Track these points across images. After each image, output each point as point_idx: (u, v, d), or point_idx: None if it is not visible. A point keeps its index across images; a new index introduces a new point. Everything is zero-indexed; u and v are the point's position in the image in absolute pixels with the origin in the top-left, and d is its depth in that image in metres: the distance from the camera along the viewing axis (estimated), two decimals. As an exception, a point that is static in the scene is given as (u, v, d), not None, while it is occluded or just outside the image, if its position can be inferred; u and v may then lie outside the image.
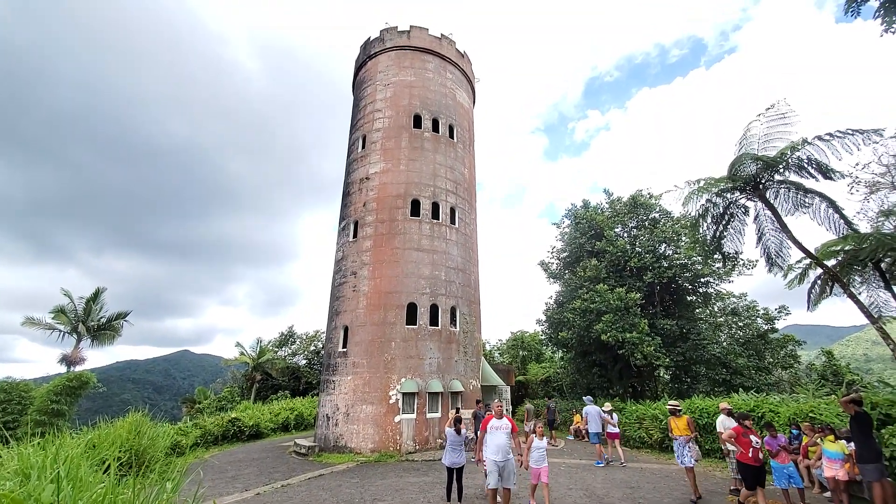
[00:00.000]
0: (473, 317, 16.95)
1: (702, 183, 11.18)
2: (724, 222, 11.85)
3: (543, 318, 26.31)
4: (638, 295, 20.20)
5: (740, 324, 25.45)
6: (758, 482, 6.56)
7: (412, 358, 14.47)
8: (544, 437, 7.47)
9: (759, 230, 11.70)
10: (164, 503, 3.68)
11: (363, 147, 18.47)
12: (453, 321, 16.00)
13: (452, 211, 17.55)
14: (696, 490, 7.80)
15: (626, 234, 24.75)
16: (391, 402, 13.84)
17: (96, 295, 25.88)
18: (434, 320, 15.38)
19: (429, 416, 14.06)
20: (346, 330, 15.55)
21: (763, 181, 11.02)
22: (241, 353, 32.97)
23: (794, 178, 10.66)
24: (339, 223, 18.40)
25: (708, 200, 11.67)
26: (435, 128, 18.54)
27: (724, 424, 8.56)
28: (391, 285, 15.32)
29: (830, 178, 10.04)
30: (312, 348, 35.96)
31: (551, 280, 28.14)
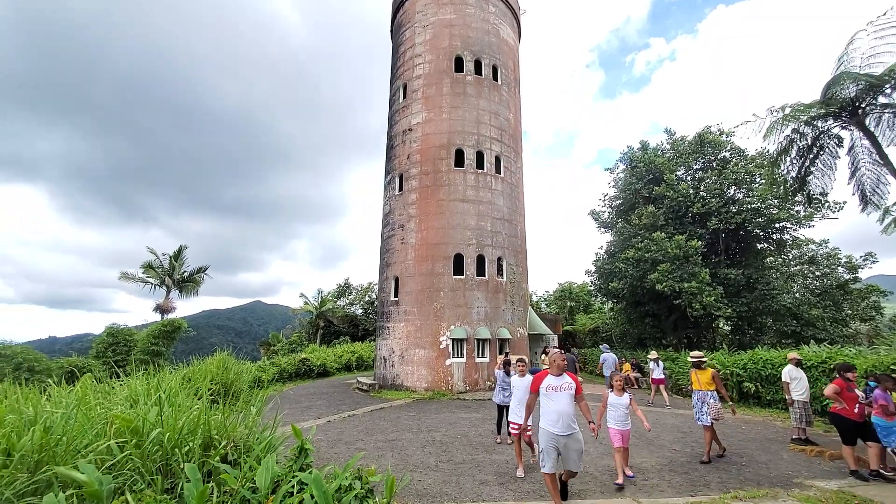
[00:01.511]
0: (520, 267, 16.90)
1: (788, 110, 9.65)
2: (811, 156, 10.32)
3: (593, 268, 25.63)
4: (700, 243, 18.88)
5: (818, 273, 23.16)
6: (859, 436, 6.24)
7: (460, 307, 14.94)
8: (625, 392, 6.04)
9: (853, 163, 10.10)
10: (250, 424, 4.29)
11: (404, 97, 18.04)
12: (500, 271, 16.08)
13: (497, 160, 16.99)
14: (709, 451, 6.86)
15: (689, 178, 22.71)
16: (441, 346, 14.60)
17: (179, 252, 29.06)
18: (481, 271, 15.56)
19: (478, 360, 14.71)
20: (396, 280, 16.26)
21: (863, 105, 9.32)
22: (306, 303, 35.95)
23: (904, 100, 8.90)
24: (385, 177, 18.60)
25: (794, 130, 10.12)
26: (478, 70, 17.53)
27: (791, 375, 8.13)
28: (438, 237, 15.54)
29: (953, 98, 8.27)
30: (367, 298, 38.26)
31: (602, 230, 26.99)
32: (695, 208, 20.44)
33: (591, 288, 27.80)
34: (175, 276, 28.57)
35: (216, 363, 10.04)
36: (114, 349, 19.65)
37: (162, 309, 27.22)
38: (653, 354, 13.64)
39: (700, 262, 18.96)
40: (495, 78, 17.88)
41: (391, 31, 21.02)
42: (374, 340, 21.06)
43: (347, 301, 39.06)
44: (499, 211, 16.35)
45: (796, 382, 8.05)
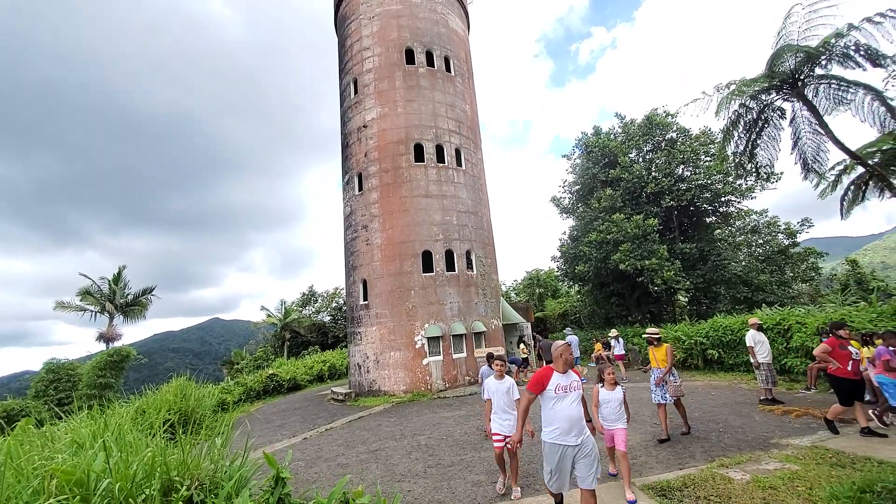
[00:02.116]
0: (489, 259, 16.86)
1: (733, 87, 10.14)
2: (757, 129, 10.92)
3: (558, 254, 26.21)
4: (656, 221, 19.72)
5: (760, 241, 24.96)
6: (855, 397, 6.05)
7: (433, 304, 14.66)
8: (618, 386, 5.26)
9: (794, 134, 10.81)
10: (215, 457, 3.80)
11: (356, 92, 17.39)
12: (469, 265, 15.95)
13: (458, 152, 16.79)
14: (666, 427, 6.66)
15: (641, 159, 23.68)
16: (417, 346, 14.26)
17: (119, 274, 26.64)
18: (450, 266, 15.35)
19: (455, 356, 14.52)
20: (364, 283, 15.70)
21: (802, 76, 9.96)
22: (268, 316, 34.26)
23: (837, 70, 9.56)
24: (343, 177, 17.90)
25: (741, 105, 10.67)
26: (430, 62, 17.20)
27: (755, 339, 8.54)
28: (403, 235, 15.15)
29: (881, 66, 8.98)
30: (334, 304, 37.07)
31: (564, 215, 27.64)
32: (649, 188, 21.32)
33: (558, 273, 28.46)
34: (117, 300, 26.19)
35: (173, 390, 9.14)
36: (55, 386, 17.73)
37: (106, 337, 24.87)
38: (613, 332, 14.46)
39: (657, 239, 19.82)
40: (448, 69, 17.64)
41: (335, 23, 20.20)
42: (346, 347, 20.35)
43: (314, 309, 37.68)
44: (463, 204, 16.18)
45: (760, 346, 8.48)
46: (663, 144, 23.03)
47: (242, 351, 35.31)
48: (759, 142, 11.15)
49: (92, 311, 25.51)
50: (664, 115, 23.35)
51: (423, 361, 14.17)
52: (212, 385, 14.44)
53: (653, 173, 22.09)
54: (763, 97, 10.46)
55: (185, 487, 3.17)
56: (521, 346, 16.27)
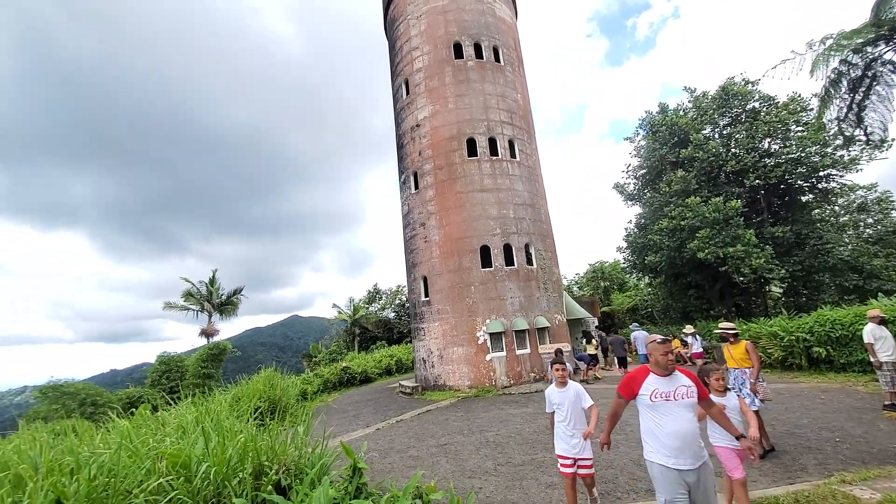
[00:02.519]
0: (549, 252, 16.33)
1: (830, 42, 8.67)
2: (863, 88, 9.26)
3: (624, 244, 24.65)
4: (739, 203, 17.72)
5: (870, 220, 21.41)
6: None
7: (493, 299, 14.56)
8: (729, 392, 4.21)
9: (913, 90, 9.01)
10: (299, 444, 4.11)
11: (407, 93, 17.75)
12: (529, 259, 15.59)
13: (511, 144, 16.45)
14: (769, 437, 5.68)
15: (717, 135, 21.39)
16: (479, 342, 14.27)
17: (213, 277, 30.03)
18: (509, 260, 15.12)
19: (518, 352, 14.30)
20: (425, 280, 16.05)
21: (922, 22, 8.26)
22: (339, 313, 36.49)
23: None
24: (399, 177, 18.40)
25: (842, 62, 9.12)
26: (478, 54, 17.01)
27: (874, 334, 7.31)
28: (460, 231, 15.21)
29: None
30: (398, 301, 38.42)
31: (629, 202, 25.92)
32: (728, 167, 19.21)
33: (625, 265, 26.78)
34: (213, 300, 29.55)
35: (263, 380, 10.17)
36: (167, 376, 20.46)
37: (206, 333, 28.24)
38: (689, 328, 13.26)
39: (742, 223, 17.79)
40: (497, 59, 17.31)
41: (385, 28, 20.76)
42: (411, 342, 20.99)
43: (379, 306, 39.39)
44: (519, 196, 15.83)
45: (882, 342, 7.22)
46: (743, 117, 20.56)
47: (319, 345, 37.98)
48: (866, 103, 9.41)
49: (193, 310, 29.08)
50: (743, 83, 20.82)
51: (485, 357, 14.15)
52: (294, 376, 15.79)
53: (732, 150, 19.85)
54: (869, 50, 8.77)
55: (273, 472, 3.47)
56: (592, 341, 15.53)
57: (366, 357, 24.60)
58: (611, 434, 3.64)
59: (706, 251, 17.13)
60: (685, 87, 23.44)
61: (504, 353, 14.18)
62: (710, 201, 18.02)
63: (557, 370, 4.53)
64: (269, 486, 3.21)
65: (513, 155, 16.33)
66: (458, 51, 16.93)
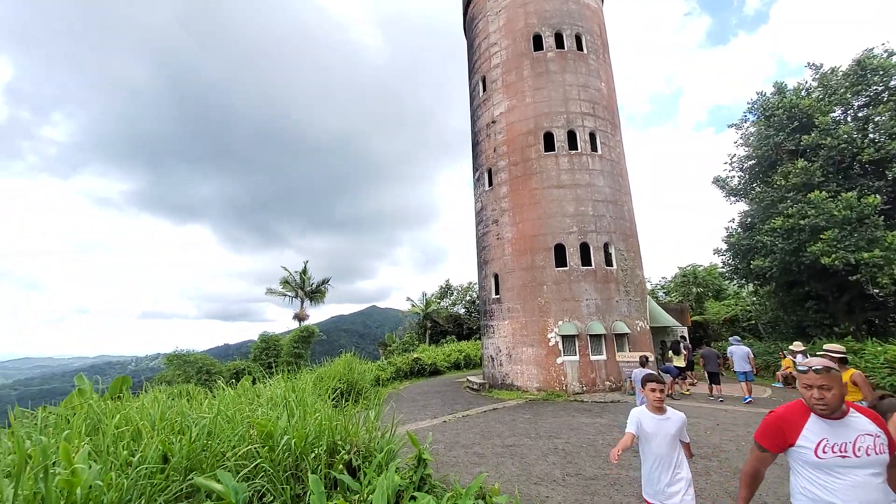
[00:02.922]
0: (631, 253, 15.11)
1: None
2: None
3: (724, 246, 21.80)
4: (878, 199, 14.61)
5: None
6: None
7: (567, 300, 13.91)
8: None
9: None
10: (370, 428, 4.34)
11: (484, 90, 17.64)
12: (608, 259, 14.59)
13: (592, 136, 15.48)
14: None
15: (849, 118, 17.83)
16: (550, 344, 13.76)
17: (305, 268, 33.24)
18: (586, 260, 14.31)
19: (593, 358, 13.50)
20: (496, 277, 15.91)
21: None
22: (413, 306, 37.95)
23: None
24: (474, 174, 18.42)
25: None
26: (559, 43, 16.24)
27: None
28: (535, 228, 14.76)
29: None
30: (468, 297, 38.73)
31: (732, 199, 22.82)
32: (864, 155, 15.89)
33: (724, 269, 23.71)
34: (305, 288, 32.72)
35: (343, 363, 11.01)
36: (266, 353, 23.20)
37: (299, 317, 31.43)
38: (797, 345, 11.06)
39: (881, 223, 14.65)
40: (580, 48, 16.37)
41: (464, 27, 20.83)
42: (480, 339, 21.03)
43: (450, 301, 40.11)
44: (600, 193, 14.86)
45: None
46: (886, 95, 16.79)
47: (393, 335, 39.97)
48: None
49: (289, 296, 32.51)
50: (885, 55, 17.00)
51: (556, 360, 13.61)
52: (371, 362, 16.85)
53: (870, 135, 16.39)
54: None
55: (345, 452, 3.70)
56: (681, 352, 13.99)
57: (436, 350, 25.24)
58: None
59: (833, 256, 14.44)
60: (809, 64, 19.88)
61: (577, 358, 13.49)
62: (839, 196, 15.12)
63: (653, 390, 3.26)
64: (341, 466, 3.42)
65: (594, 148, 15.38)
66: (537, 43, 16.37)
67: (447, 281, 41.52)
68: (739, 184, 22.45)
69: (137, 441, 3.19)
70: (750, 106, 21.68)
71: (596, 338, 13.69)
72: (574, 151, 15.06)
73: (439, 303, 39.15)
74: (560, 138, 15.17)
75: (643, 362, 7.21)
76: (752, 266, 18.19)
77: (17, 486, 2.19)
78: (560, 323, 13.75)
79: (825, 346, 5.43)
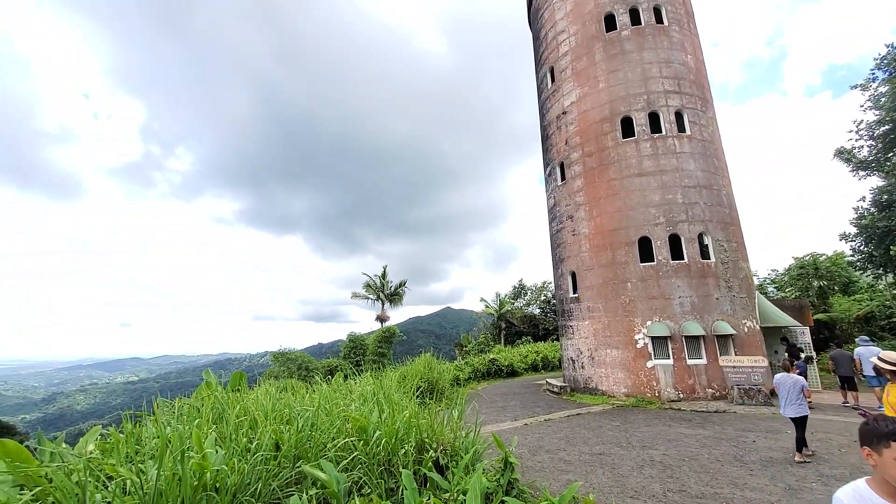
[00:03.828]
0: (733, 242, 13.36)
1: None
2: None
3: (853, 230, 18.31)
4: None
5: None
6: None
7: (655, 298, 12.75)
8: None
9: None
10: (454, 428, 4.37)
11: (552, 81, 16.96)
12: (704, 251, 13.08)
13: (679, 116, 14.03)
14: None
15: None
16: (638, 346, 12.72)
17: (384, 272, 35.07)
18: (677, 253, 12.98)
19: (690, 362, 12.18)
20: (573, 275, 15.17)
21: None
22: (486, 307, 37.88)
23: None
24: (545, 170, 17.81)
25: None
26: (634, 20, 15.00)
27: None
28: (614, 222, 13.78)
29: None
30: (543, 297, 37.55)
31: (862, 173, 19.10)
32: None
33: (854, 258, 19.92)
34: (385, 291, 34.52)
35: (423, 363, 11.36)
36: (354, 352, 24.92)
37: (380, 318, 33.26)
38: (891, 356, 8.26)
39: None
40: (659, 20, 14.94)
41: (529, 20, 20.28)
42: (558, 340, 20.25)
43: (524, 302, 39.27)
44: (690, 177, 13.39)
45: None
46: None
47: (469, 336, 40.30)
48: None
49: (371, 299, 34.55)
50: None
51: (646, 364, 12.53)
52: (448, 362, 17.14)
53: None
54: None
55: (433, 449, 3.76)
56: (801, 355, 11.99)
57: (511, 351, 24.86)
58: None
59: None
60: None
61: (671, 362, 12.28)
62: None
63: (869, 455, 1.88)
64: (430, 464, 3.49)
65: (681, 129, 13.93)
66: (609, 23, 15.33)
67: (520, 281, 40.76)
68: (870, 155, 18.73)
69: (254, 429, 3.58)
70: (878, 62, 18.05)
71: (693, 339, 12.34)
72: (657, 135, 13.78)
73: (513, 303, 38.52)
74: (640, 122, 13.99)
75: (792, 359, 6.14)
76: (892, 252, 15.02)
77: (161, 467, 2.57)
78: (648, 323, 12.65)
79: (884, 353, 4.01)
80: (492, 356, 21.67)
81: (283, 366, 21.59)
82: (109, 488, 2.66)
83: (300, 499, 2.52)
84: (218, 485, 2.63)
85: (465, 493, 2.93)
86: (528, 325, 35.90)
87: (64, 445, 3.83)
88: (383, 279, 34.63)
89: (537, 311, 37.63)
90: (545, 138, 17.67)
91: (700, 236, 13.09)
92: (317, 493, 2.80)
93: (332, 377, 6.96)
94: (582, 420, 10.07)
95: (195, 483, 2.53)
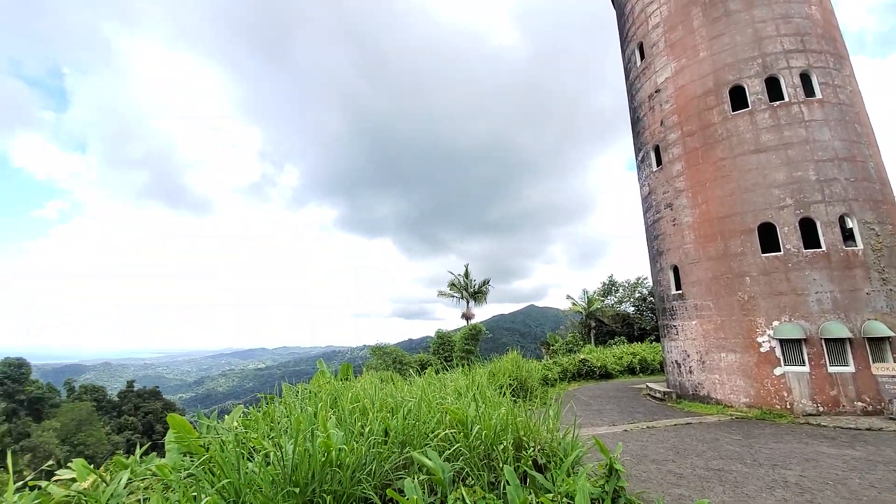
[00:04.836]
0: (887, 225, 10.87)
1: None
2: None
3: None
4: None
5: None
6: None
7: (783, 294, 10.93)
8: None
9: None
10: (551, 428, 4.30)
11: (642, 58, 15.53)
12: (848, 236, 10.87)
13: (805, 78, 11.85)
14: None
15: None
16: (762, 350, 11.03)
17: (467, 270, 35.68)
18: (811, 240, 10.98)
19: (832, 369, 10.21)
20: (675, 270, 13.74)
21: None
22: (573, 304, 36.19)
23: None
24: (636, 155, 16.41)
25: None
26: (744, -24, 13.03)
27: None
28: (725, 208, 12.15)
29: None
30: (637, 294, 34.62)
31: None
32: None
33: None
34: (469, 289, 35.10)
35: (510, 361, 11.32)
36: (442, 347, 25.82)
37: (466, 316, 33.91)
38: None
39: None
40: (777, -30, 12.76)
41: (612, -4, 18.86)
42: (658, 341, 18.58)
43: (615, 299, 36.64)
44: (826, 149, 11.21)
45: None
46: None
47: (556, 335, 38.95)
48: None
49: (456, 297, 35.41)
50: None
51: (773, 371, 10.82)
52: (536, 361, 16.81)
53: None
54: None
55: (531, 448, 3.75)
56: None
57: (604, 352, 23.41)
58: None
59: None
60: None
61: (806, 369, 10.44)
62: None
63: None
64: (529, 462, 3.48)
65: (809, 93, 11.77)
66: (708, -17, 13.56)
67: (610, 277, 38.04)
68: None
69: (365, 415, 3.94)
70: None
71: (836, 343, 10.32)
72: (778, 103, 11.80)
73: (603, 300, 36.15)
74: (755, 90, 12.12)
75: None
76: None
77: (296, 443, 2.98)
78: (775, 323, 10.90)
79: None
80: (582, 356, 20.65)
81: (380, 359, 23.22)
82: (255, 459, 3.17)
83: (412, 482, 2.71)
84: (340, 462, 2.95)
85: (568, 496, 2.87)
86: (621, 324, 33.41)
87: (216, 421, 4.64)
88: (466, 278, 35.18)
89: (631, 309, 34.82)
90: (635, 121, 16.28)
91: (842, 219, 10.91)
92: (424, 479, 2.98)
93: (424, 371, 7.31)
94: (693, 430, 9.09)
95: (322, 459, 2.88)
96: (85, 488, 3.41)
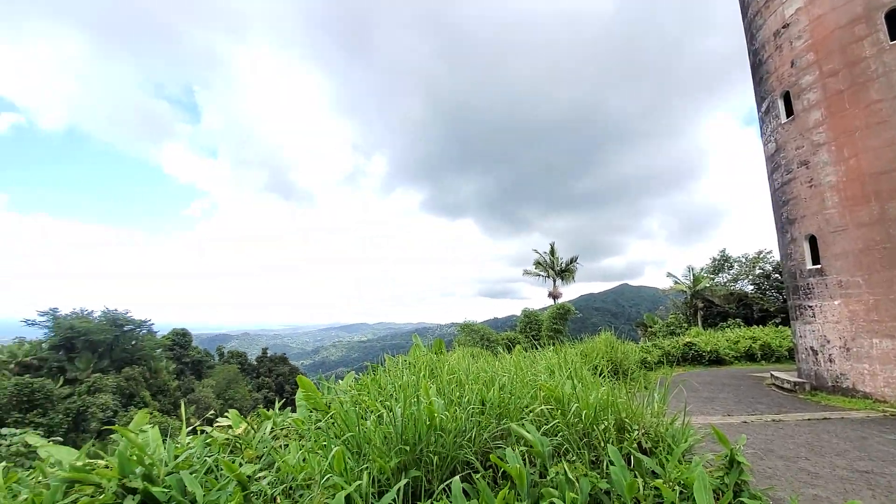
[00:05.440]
0: None
1: None
2: None
3: None
4: None
5: None
6: None
7: (975, 266, 8.55)
8: None
9: None
10: (656, 413, 4.05)
11: (768, -12, 12.92)
12: None
13: None
14: None
15: None
16: (939, 335, 8.85)
17: (552, 248, 34.61)
18: None
19: None
20: (811, 240, 11.58)
21: None
22: (676, 283, 32.86)
23: None
24: (759, 107, 13.94)
25: None
26: None
27: None
28: (882, 162, 9.76)
29: None
30: (758, 271, 30.04)
31: None
32: None
33: None
34: (555, 267, 34.10)
35: (604, 341, 10.81)
36: (529, 326, 25.75)
37: (553, 295, 33.15)
38: None
39: None
40: None
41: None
42: (783, 324, 16.05)
43: (729, 277, 32.31)
44: None
45: None
46: None
47: (654, 315, 35.93)
48: None
49: (542, 276, 34.75)
50: None
51: (956, 360, 8.63)
52: (632, 343, 15.74)
53: None
54: None
55: (635, 432, 3.58)
56: None
57: (714, 335, 20.98)
58: None
59: None
60: None
61: None
62: None
63: None
64: (634, 445, 3.34)
65: None
66: None
67: (723, 251, 33.54)
68: None
69: (461, 387, 4.14)
70: None
71: None
72: (974, 17, 8.96)
73: (713, 278, 32.13)
74: (934, 6, 9.34)
75: None
76: None
77: (404, 406, 3.26)
78: (960, 303, 8.62)
79: None
80: (688, 339, 18.77)
81: (468, 335, 23.99)
82: (370, 419, 3.55)
83: (513, 451, 2.81)
84: (443, 427, 3.17)
85: (681, 484, 2.69)
86: (736, 304, 29.43)
87: (336, 383, 5.28)
88: (552, 255, 34.12)
89: (750, 287, 30.43)
90: (757, 65, 13.76)
91: None
92: (523, 450, 3.06)
93: (512, 349, 7.34)
94: (832, 427, 7.77)
95: (427, 423, 3.13)
96: (239, 434, 4.17)
